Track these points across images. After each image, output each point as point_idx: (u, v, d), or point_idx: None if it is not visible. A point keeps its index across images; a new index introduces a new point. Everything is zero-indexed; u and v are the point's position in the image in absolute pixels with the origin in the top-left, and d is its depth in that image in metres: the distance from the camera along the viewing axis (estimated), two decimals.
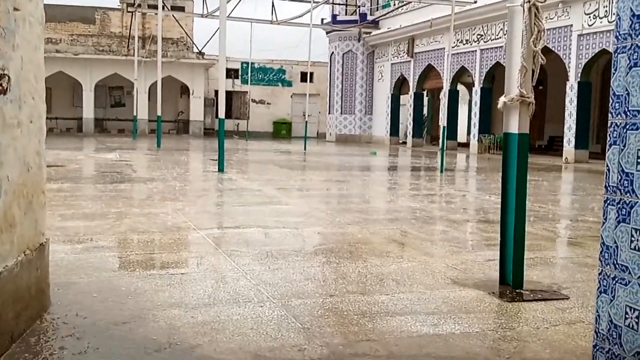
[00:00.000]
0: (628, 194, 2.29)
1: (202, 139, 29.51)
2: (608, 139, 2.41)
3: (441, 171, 14.44)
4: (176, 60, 31.99)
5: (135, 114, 28.97)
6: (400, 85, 29.79)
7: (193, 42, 33.51)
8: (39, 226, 3.56)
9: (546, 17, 19.74)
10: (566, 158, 19.14)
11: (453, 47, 23.98)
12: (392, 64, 29.94)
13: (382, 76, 30.97)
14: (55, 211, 6.93)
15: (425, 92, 29.33)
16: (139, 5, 29.08)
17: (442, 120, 16.23)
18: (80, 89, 31.64)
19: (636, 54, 2.27)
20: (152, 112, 27.85)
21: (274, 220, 6.95)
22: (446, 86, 17.70)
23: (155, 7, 23.61)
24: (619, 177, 2.33)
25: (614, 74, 2.39)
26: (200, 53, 32.89)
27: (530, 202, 9.13)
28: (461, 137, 27.71)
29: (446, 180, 13.15)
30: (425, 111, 30.57)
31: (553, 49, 19.65)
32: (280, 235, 6.10)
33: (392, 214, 7.99)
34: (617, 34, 2.36)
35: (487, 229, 6.75)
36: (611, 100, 2.39)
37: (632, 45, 2.29)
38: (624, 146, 2.31)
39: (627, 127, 2.30)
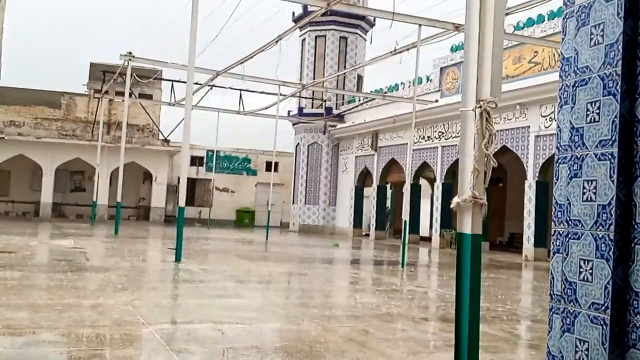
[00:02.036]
0: (572, 303, 2.27)
1: (163, 226, 29.11)
2: (552, 247, 2.42)
3: (402, 266, 14.40)
4: (141, 147, 32.00)
5: (94, 199, 28.56)
6: (364, 178, 30.19)
7: (159, 129, 33.71)
8: None
9: (504, 118, 20.55)
10: (526, 256, 19.34)
11: (415, 143, 24.58)
12: (356, 156, 30.46)
13: (346, 168, 31.41)
14: None
15: (388, 185, 29.73)
16: (107, 92, 29.35)
17: (404, 214, 16.35)
18: (40, 173, 31.22)
19: (576, 164, 2.32)
20: (113, 197, 27.50)
21: (227, 314, 6.76)
22: (408, 181, 17.97)
23: (123, 94, 23.83)
24: (563, 286, 2.32)
25: (556, 183, 2.43)
26: (166, 140, 33.04)
27: (489, 301, 9.11)
28: (424, 230, 27.91)
29: (407, 275, 13.09)
30: (388, 204, 30.87)
31: (512, 149, 20.27)
32: (233, 332, 5.90)
33: (350, 310, 7.85)
34: (558, 145, 2.41)
35: (447, 329, 6.65)
36: (554, 209, 2.41)
37: (572, 156, 2.34)
38: (567, 255, 2.31)
39: (569, 235, 2.31)
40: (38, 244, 15.47)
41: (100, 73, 29.94)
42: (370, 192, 29.32)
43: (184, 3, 13.64)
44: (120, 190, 21.44)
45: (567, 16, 2.46)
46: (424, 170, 26.06)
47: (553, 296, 2.38)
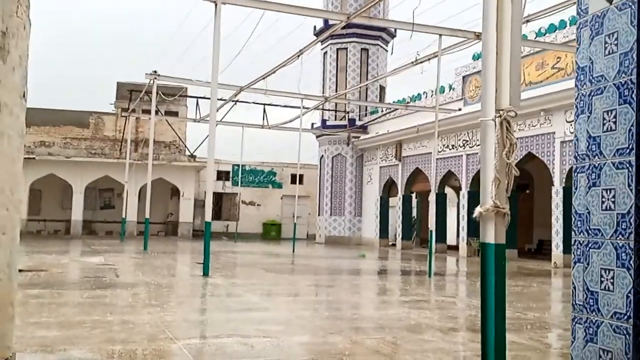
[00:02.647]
0: (594, 313, 2.26)
1: (191, 241, 29.36)
2: (572, 256, 2.42)
3: (429, 275, 14.32)
4: (168, 163, 32.39)
5: (124, 215, 28.95)
6: (389, 188, 30.13)
7: (185, 146, 34.10)
8: (6, 340, 3.46)
9: (529, 124, 20.38)
10: (555, 262, 19.09)
11: (439, 152, 24.50)
12: (380, 167, 30.43)
13: (370, 179, 31.38)
14: (30, 318, 6.77)
15: (413, 195, 29.63)
16: (133, 110, 29.81)
17: (431, 224, 16.28)
18: (71, 191, 31.78)
19: (594, 174, 2.32)
20: (142, 213, 27.85)
21: (254, 328, 6.80)
22: (433, 190, 17.90)
23: (150, 112, 24.19)
24: (585, 296, 2.32)
25: (574, 192, 2.43)
26: (192, 156, 33.39)
27: (517, 309, 9.02)
28: (451, 239, 27.74)
29: (435, 285, 13.01)
30: (414, 213, 30.75)
31: (537, 155, 20.08)
32: (260, 346, 5.94)
33: (377, 322, 7.83)
34: (576, 154, 2.42)
35: (476, 339, 6.58)
36: (573, 219, 2.41)
37: (589, 165, 2.34)
38: (588, 264, 2.31)
39: (590, 245, 2.31)
40: (69, 262, 15.72)
41: (127, 92, 30.47)
42: (396, 202, 29.24)
43: (207, 20, 13.84)
44: (148, 206, 21.71)
45: (581, 26, 2.47)
46: (449, 178, 25.94)
47: (575, 306, 2.37)
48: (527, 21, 14.20)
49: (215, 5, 13.32)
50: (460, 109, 24.13)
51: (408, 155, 27.97)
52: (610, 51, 2.32)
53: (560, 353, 6.30)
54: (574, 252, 2.40)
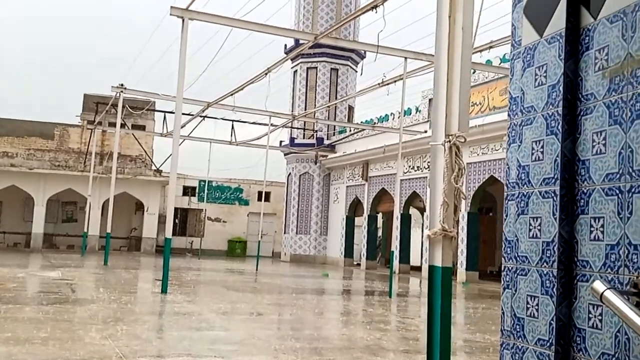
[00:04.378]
0: (520, 339, 2.31)
1: (154, 257, 28.98)
2: (502, 282, 2.46)
3: (390, 296, 14.36)
4: (133, 177, 32.03)
5: (85, 229, 28.47)
6: (355, 207, 30.23)
7: (151, 160, 33.77)
8: None
9: (492, 148, 20.70)
10: None
11: (405, 173, 24.71)
12: (347, 186, 30.54)
13: (337, 198, 31.46)
14: None
15: (379, 215, 29.77)
16: (100, 123, 29.47)
17: (393, 244, 16.36)
18: (32, 204, 31.16)
19: (523, 202, 2.37)
20: (104, 228, 27.43)
21: (207, 347, 6.73)
22: (397, 210, 18.02)
23: (115, 125, 23.94)
24: (512, 322, 2.36)
25: (505, 219, 2.49)
26: (158, 170, 33.08)
27: (471, 332, 9.10)
28: (415, 260, 27.86)
29: (395, 306, 13.05)
30: (379, 233, 30.87)
31: (499, 179, 20.39)
32: None
33: (334, 342, 7.82)
34: (507, 182, 2.47)
35: None
36: (504, 246, 2.46)
37: (519, 193, 2.40)
38: (516, 291, 2.36)
39: (517, 271, 2.36)
40: (25, 276, 15.38)
41: (94, 104, 30.08)
42: (362, 222, 29.33)
43: (177, 35, 13.81)
44: (110, 220, 21.42)
45: (514, 57, 2.54)
46: (414, 199, 26.13)
47: (503, 332, 2.41)
48: (490, 47, 14.50)
49: (183, 20, 13.32)
50: (425, 131, 24.38)
51: (374, 175, 28.14)
52: (540, 83, 2.39)
53: None
54: (503, 279, 2.45)
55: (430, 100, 25.00)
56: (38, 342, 6.47)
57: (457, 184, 4.41)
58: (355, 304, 13.54)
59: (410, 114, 25.57)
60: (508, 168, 2.49)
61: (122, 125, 24.91)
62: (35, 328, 7.37)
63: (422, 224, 26.73)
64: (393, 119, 27.30)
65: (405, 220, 25.68)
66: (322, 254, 31.65)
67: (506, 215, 2.50)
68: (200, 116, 25.75)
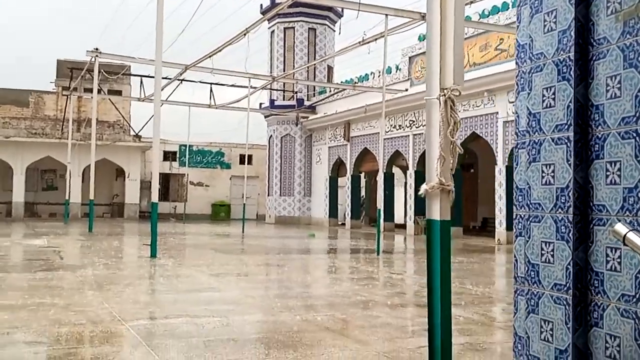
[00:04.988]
0: (535, 285, 2.34)
1: (138, 222, 28.90)
2: (514, 230, 2.49)
3: (377, 253, 14.52)
4: (112, 143, 31.67)
5: (67, 197, 28.24)
6: (337, 168, 30.29)
7: (130, 125, 33.37)
8: None
9: (473, 105, 20.75)
10: (498, 239, 19.63)
11: (387, 132, 24.71)
12: (329, 147, 30.53)
13: (319, 159, 31.47)
14: None
15: (362, 175, 29.87)
16: (75, 89, 28.94)
17: (379, 203, 16.47)
18: (11, 172, 30.76)
19: (534, 149, 2.38)
20: (86, 195, 27.23)
21: (204, 308, 6.77)
22: (381, 169, 18.08)
23: (92, 90, 23.54)
24: (526, 268, 2.39)
25: (515, 167, 2.50)
26: (137, 136, 32.73)
27: (462, 285, 9.25)
28: (398, 218, 28.11)
29: (383, 262, 13.21)
30: (363, 193, 31.02)
31: (481, 135, 20.50)
32: (209, 325, 5.93)
33: (327, 299, 7.91)
34: (517, 131, 2.48)
35: (422, 314, 6.73)
36: (515, 194, 2.48)
37: (530, 141, 2.41)
38: (529, 238, 2.38)
39: (530, 219, 2.38)
40: (10, 245, 15.27)
41: (68, 70, 29.50)
42: (345, 182, 29.44)
43: None
44: (92, 187, 21.24)
45: (521, 3, 2.52)
46: (396, 158, 26.23)
47: (517, 278, 2.45)
48: (471, 2, 14.40)
49: None
50: (406, 90, 24.37)
51: (356, 135, 28.13)
52: (550, 29, 2.37)
53: (504, 326, 6.50)
54: (515, 226, 2.47)
55: (410, 58, 24.90)
56: (34, 308, 6.46)
57: (453, 137, 4.41)
58: (344, 262, 13.68)
59: (390, 72, 25.46)
60: (517, 116, 2.49)
61: (99, 91, 24.48)
62: (29, 295, 7.35)
63: (405, 183, 26.88)
64: (373, 78, 27.17)
65: (389, 179, 25.80)
66: (307, 215, 31.79)
67: (516, 164, 2.51)
68: (178, 79, 25.39)
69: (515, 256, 2.47)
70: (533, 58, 2.43)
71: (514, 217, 2.48)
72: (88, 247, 14.84)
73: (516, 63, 2.52)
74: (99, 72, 22.78)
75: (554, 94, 2.32)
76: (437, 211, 4.41)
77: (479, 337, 5.78)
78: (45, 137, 31.19)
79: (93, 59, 22.17)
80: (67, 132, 29.52)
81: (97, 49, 21.86)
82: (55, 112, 32.58)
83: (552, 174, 2.30)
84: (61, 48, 65.18)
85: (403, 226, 26.17)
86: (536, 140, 2.38)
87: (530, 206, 2.38)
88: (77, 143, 29.45)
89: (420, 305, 7.35)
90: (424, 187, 4.51)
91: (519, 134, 2.47)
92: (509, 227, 19.45)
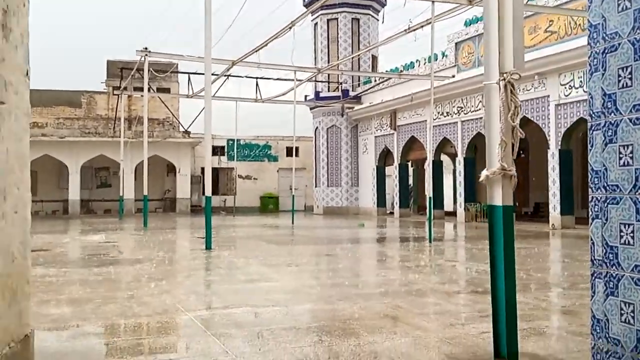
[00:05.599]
0: (614, 267, 2.31)
1: (190, 217, 29.43)
2: (590, 212, 2.45)
3: (430, 241, 14.44)
4: (162, 140, 32.31)
5: (121, 194, 28.96)
6: (384, 157, 30.18)
7: (179, 122, 33.96)
8: (24, 317, 3.51)
9: (523, 89, 20.35)
10: (553, 224, 19.26)
11: (434, 120, 24.49)
12: (375, 136, 30.43)
13: (366, 149, 31.40)
14: (39, 297, 6.81)
15: (409, 163, 29.69)
16: (125, 88, 29.58)
17: (428, 191, 16.36)
18: (66, 171, 31.73)
19: (610, 131, 2.34)
20: (139, 191, 27.88)
21: (263, 298, 6.88)
22: (429, 157, 17.95)
23: (141, 89, 24.02)
24: (604, 251, 2.36)
25: (590, 149, 2.46)
26: (186, 132, 33.29)
27: (520, 270, 9.13)
28: (448, 206, 27.89)
29: (435, 250, 13.14)
30: (410, 181, 30.85)
31: (532, 119, 20.11)
32: (269, 314, 6.02)
33: (382, 287, 7.93)
34: (591, 112, 2.44)
35: (480, 300, 6.70)
36: (590, 176, 2.44)
37: (605, 122, 2.37)
38: (606, 220, 2.35)
39: (608, 201, 2.35)
40: (70, 241, 15.77)
41: (118, 70, 30.21)
42: (392, 171, 29.32)
43: None
44: (146, 183, 21.71)
45: (592, 128, 2.48)
46: (444, 146, 25.99)
47: (594, 261, 2.42)
48: None
49: None
50: (453, 76, 24.06)
51: (403, 124, 27.95)
52: (624, 7, 2.33)
53: (565, 310, 6.41)
54: (591, 209, 2.44)
55: (456, 44, 24.55)
56: (99, 301, 6.66)
57: (514, 122, 4.36)
58: (397, 250, 13.65)
59: (436, 59, 25.18)
60: (591, 97, 2.46)
61: (148, 90, 24.96)
62: (93, 289, 7.59)
63: (454, 170, 26.60)
64: (419, 65, 26.92)
65: (437, 166, 25.60)
66: (355, 204, 31.81)
67: (591, 146, 2.48)
68: (225, 75, 25.67)
69: (591, 239, 2.44)
70: (607, 38, 2.39)
71: (590, 199, 2.45)
72: (145, 241, 15.20)
73: (588, 44, 2.48)
74: (148, 70, 23.22)
75: (630, 73, 2.28)
76: (499, 197, 4.38)
77: (541, 322, 5.71)
78: (98, 136, 32.03)
79: (143, 58, 22.60)
80: (119, 130, 30.24)
81: (146, 48, 22.27)
82: (106, 112, 33.40)
83: (631, 155, 2.26)
84: (110, 49, 66.60)
85: (453, 214, 25.94)
86: (612, 121, 2.34)
87: (607, 188, 2.35)
88: (128, 141, 30.14)
89: (478, 292, 7.30)
90: (484, 172, 4.48)
91: (593, 115, 2.43)
92: (564, 212, 19.07)
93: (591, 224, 2.44)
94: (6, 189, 3.19)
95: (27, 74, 3.86)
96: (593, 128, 2.43)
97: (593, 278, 2.42)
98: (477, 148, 23.82)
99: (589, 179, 2.44)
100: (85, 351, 4.68)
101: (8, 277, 3.21)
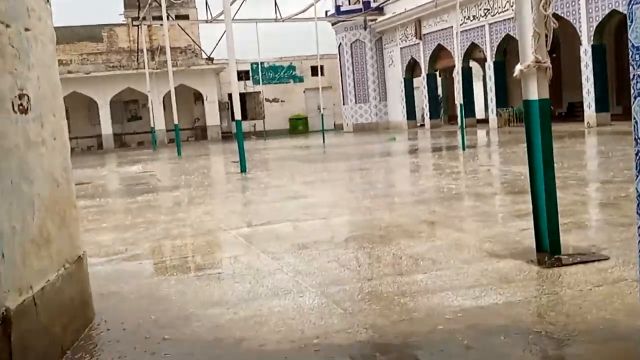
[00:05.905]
0: None
1: (221, 143, 29.67)
2: (632, 91, 2.39)
3: (463, 149, 14.36)
4: (186, 68, 32.16)
5: (152, 125, 29.23)
6: (412, 69, 29.64)
7: (201, 49, 33.64)
8: (75, 240, 3.63)
9: None
10: (588, 122, 18.91)
11: (461, 25, 23.76)
12: (401, 48, 29.79)
13: (392, 61, 30.84)
14: (86, 226, 7.03)
15: (437, 73, 29.14)
16: (144, 18, 29.24)
17: (458, 99, 16.12)
18: (96, 107, 32.02)
19: None
20: (169, 121, 28.09)
21: (302, 213, 6.99)
22: (458, 65, 17.57)
23: (160, 18, 23.73)
24: None
25: (630, 26, 2.37)
26: (210, 59, 33.01)
27: (557, 169, 9.06)
28: (479, 113, 27.49)
29: (469, 156, 13.08)
30: (440, 91, 30.37)
31: (562, 15, 19.37)
32: (310, 227, 6.13)
33: (419, 195, 7.98)
34: None
35: (517, 200, 6.70)
36: (631, 53, 2.36)
37: None
38: None
39: None
40: (109, 173, 16.11)
41: (135, 0, 29.76)
42: (420, 82, 28.85)
43: None
44: (175, 113, 21.82)
45: (632, 2, 2.31)
46: (473, 51, 25.36)
47: (638, 140, 2.37)
48: None
49: None
50: None
51: (428, 32, 27.24)
52: None
53: (605, 204, 6.38)
54: (633, 87, 2.37)
55: None
56: (144, 227, 6.85)
57: (546, 11, 4.21)
58: (431, 159, 13.64)
59: None
60: None
61: (167, 17, 24.62)
62: (136, 215, 7.79)
63: (484, 76, 26.04)
64: None
65: (467, 73, 25.08)
66: (384, 119, 31.59)
67: (631, 22, 2.38)
68: None
69: (634, 117, 2.38)
70: None
71: (631, 77, 2.38)
72: (181, 168, 15.44)
73: None
74: None
75: None
76: (534, 91, 4.28)
77: (581, 216, 5.72)
78: (123, 69, 32.00)
79: None
80: (142, 62, 30.14)
81: None
82: (128, 44, 33.21)
83: None
84: None
85: (485, 121, 25.61)
86: None
87: None
88: (153, 72, 30.08)
89: (515, 193, 7.30)
90: (518, 67, 4.37)
91: None
92: (599, 109, 18.67)
93: (633, 102, 2.38)
94: (42, 115, 3.23)
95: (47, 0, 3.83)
96: (632, 2, 2.33)
97: (637, 158, 2.38)
98: (506, 51, 23.18)
99: (630, 57, 2.36)
100: (136, 270, 4.86)
101: (55, 202, 3.31)
